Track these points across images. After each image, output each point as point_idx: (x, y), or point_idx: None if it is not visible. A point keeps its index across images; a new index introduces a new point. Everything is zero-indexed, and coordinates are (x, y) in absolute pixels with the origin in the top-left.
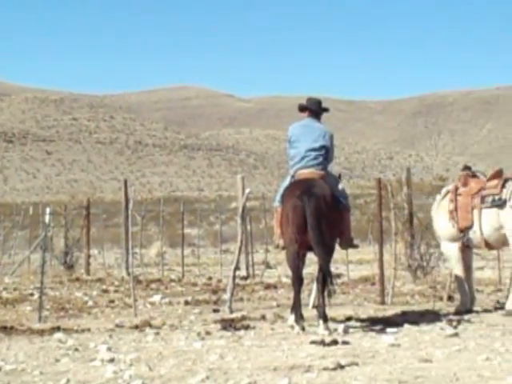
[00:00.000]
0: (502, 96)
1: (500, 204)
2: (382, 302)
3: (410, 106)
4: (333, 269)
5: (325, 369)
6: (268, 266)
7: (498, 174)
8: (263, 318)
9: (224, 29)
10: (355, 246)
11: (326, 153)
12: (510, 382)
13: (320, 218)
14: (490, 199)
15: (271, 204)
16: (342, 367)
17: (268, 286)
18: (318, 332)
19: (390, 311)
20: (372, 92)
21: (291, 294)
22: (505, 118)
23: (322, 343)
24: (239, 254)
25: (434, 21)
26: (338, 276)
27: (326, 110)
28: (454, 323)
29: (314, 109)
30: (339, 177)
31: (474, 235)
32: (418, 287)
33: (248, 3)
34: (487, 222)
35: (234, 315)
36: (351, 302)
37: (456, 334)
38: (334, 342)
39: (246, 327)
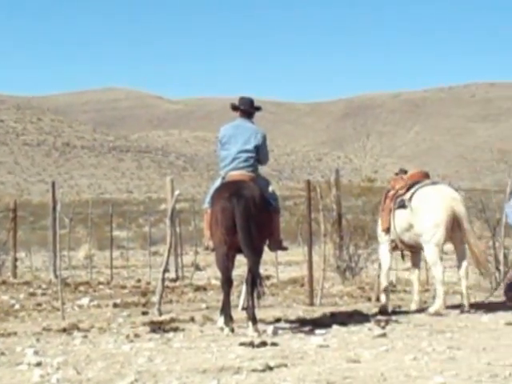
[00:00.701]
0: (430, 99)
1: (404, 206)
2: (311, 304)
3: (339, 108)
4: (262, 270)
5: (254, 370)
6: (197, 267)
7: (415, 176)
8: (192, 320)
9: (151, 31)
10: (284, 248)
11: (257, 154)
12: (437, 382)
13: (249, 219)
14: (398, 201)
15: (201, 206)
16: (270, 368)
17: (197, 288)
18: (247, 334)
19: (319, 312)
20: (301, 94)
21: (221, 296)
22: (432, 120)
23: (251, 345)
24: (168, 256)
25: (363, 23)
26: (267, 277)
27: (258, 108)
28: (382, 324)
29: (246, 108)
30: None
31: (394, 236)
32: (347, 288)
33: (175, 6)
34: (398, 223)
35: (163, 317)
36: (280, 303)
37: (384, 335)
38: (263, 344)
39: (175, 329)
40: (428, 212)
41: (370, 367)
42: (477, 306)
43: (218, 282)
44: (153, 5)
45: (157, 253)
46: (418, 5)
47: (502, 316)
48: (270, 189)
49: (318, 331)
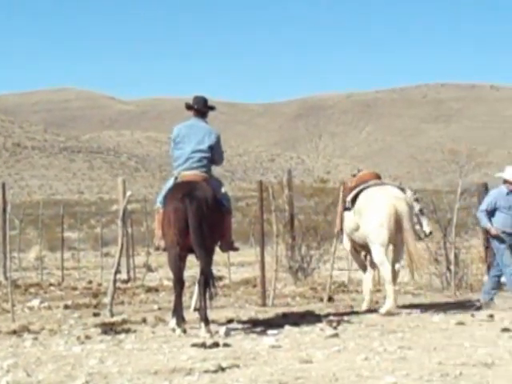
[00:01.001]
0: (382, 99)
1: (348, 207)
2: (263, 304)
3: (292, 109)
4: (214, 271)
5: (206, 371)
6: (149, 269)
7: (365, 177)
8: (144, 321)
9: (104, 31)
10: (235, 249)
11: (211, 154)
12: (388, 381)
13: (201, 220)
14: (346, 202)
15: (153, 207)
16: (223, 369)
17: (149, 289)
18: (199, 335)
19: (271, 313)
20: (254, 94)
21: (172, 297)
22: (384, 121)
23: (203, 346)
24: (120, 257)
25: (315, 23)
26: (220, 278)
27: (212, 108)
28: (334, 324)
29: (199, 107)
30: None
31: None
32: (299, 289)
33: (126, 5)
34: (347, 225)
35: (114, 319)
36: (232, 304)
37: (336, 335)
38: (216, 345)
39: (127, 331)
40: (372, 213)
41: (322, 367)
42: (428, 306)
43: (169, 283)
44: (104, 4)
45: (108, 254)
46: (368, 5)
47: (453, 316)
48: (223, 190)
49: (270, 332)
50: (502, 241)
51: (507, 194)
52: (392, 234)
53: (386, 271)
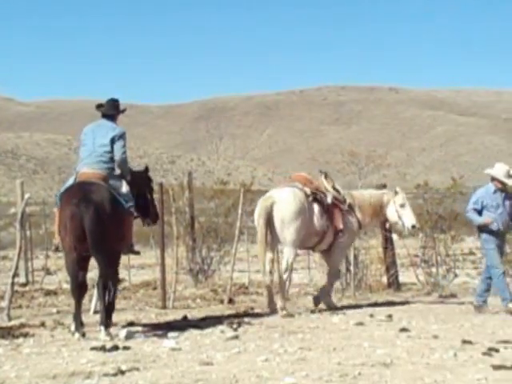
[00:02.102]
0: (282, 102)
1: None
2: (164, 307)
3: (192, 111)
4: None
5: (105, 374)
6: (48, 272)
7: (291, 179)
8: (43, 325)
9: (2, 29)
10: (136, 253)
11: (112, 152)
12: (287, 382)
13: (98, 225)
14: None
15: (52, 209)
16: (122, 372)
17: (48, 293)
18: (99, 338)
19: (172, 315)
20: (154, 96)
21: (72, 300)
22: (284, 123)
23: (103, 349)
24: (18, 261)
25: (214, 26)
26: (119, 281)
27: (122, 111)
28: (235, 326)
29: (107, 109)
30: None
31: None
32: (200, 291)
33: (21, 4)
34: None
35: (12, 323)
36: (133, 306)
37: (236, 337)
38: (115, 348)
39: (25, 335)
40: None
41: (223, 369)
42: (328, 307)
43: (69, 286)
44: (5, 2)
45: (6, 257)
46: (271, 7)
47: (352, 316)
48: (124, 189)
49: (170, 334)
50: (491, 241)
51: (494, 192)
52: (263, 233)
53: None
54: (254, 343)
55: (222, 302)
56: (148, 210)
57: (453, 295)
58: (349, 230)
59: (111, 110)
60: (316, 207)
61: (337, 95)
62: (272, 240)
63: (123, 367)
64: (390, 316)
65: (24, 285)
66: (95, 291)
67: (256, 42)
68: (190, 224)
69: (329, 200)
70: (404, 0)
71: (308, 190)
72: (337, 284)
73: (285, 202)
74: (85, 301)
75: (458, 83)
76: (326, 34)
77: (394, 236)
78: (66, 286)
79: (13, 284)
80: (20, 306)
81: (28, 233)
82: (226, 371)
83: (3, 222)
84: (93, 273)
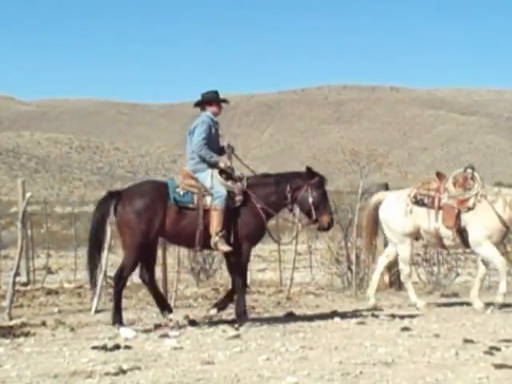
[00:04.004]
0: (284, 101)
1: None
2: None
3: (194, 110)
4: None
5: (107, 374)
6: (49, 271)
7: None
8: (44, 324)
9: (2, 28)
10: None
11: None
12: (289, 381)
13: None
14: None
15: (53, 208)
16: (124, 372)
17: (49, 292)
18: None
19: (173, 314)
20: (155, 95)
21: (73, 300)
22: (286, 122)
23: (104, 348)
24: (19, 260)
25: (215, 24)
26: None
27: (207, 101)
28: (236, 325)
29: (196, 103)
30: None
31: None
32: (201, 290)
33: (18, 7)
34: None
35: (13, 322)
36: (134, 306)
37: (238, 336)
38: (116, 347)
39: (26, 334)
40: None
41: (224, 368)
42: (329, 306)
43: (70, 286)
44: (6, 2)
45: (7, 256)
46: (269, 7)
47: (354, 315)
48: (208, 183)
49: (171, 333)
50: None
51: None
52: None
53: None
54: (255, 342)
55: None
56: (309, 212)
57: (454, 294)
58: (483, 229)
59: (200, 103)
60: (421, 209)
61: (338, 94)
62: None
63: (124, 366)
64: (391, 315)
65: (25, 284)
66: (96, 290)
67: (257, 41)
68: None
69: (444, 200)
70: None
71: (413, 193)
72: (338, 283)
73: (385, 203)
74: (86, 300)
75: (459, 82)
76: (327, 34)
77: None
78: (67, 286)
79: (14, 283)
80: (21, 306)
81: (29, 232)
82: (228, 370)
83: (4, 221)
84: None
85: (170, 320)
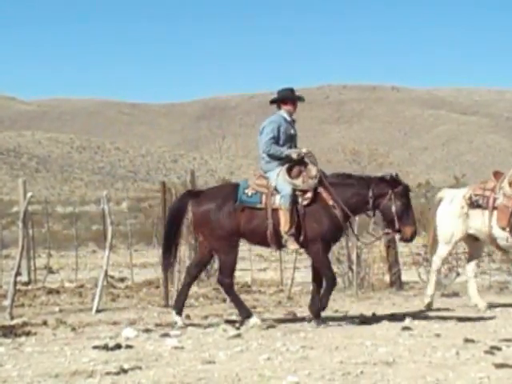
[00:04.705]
0: None
1: None
2: (166, 305)
3: (194, 110)
4: (116, 272)
5: (108, 373)
6: (50, 270)
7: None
8: (45, 323)
9: (2, 29)
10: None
11: None
12: (290, 381)
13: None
14: None
15: (54, 208)
16: (125, 371)
17: (50, 291)
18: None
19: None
20: (156, 95)
21: (74, 299)
22: None
23: (105, 348)
24: (20, 259)
25: (215, 25)
26: (122, 280)
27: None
28: (237, 324)
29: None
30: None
31: None
32: (202, 290)
33: (23, 5)
34: None
35: (14, 321)
36: (135, 305)
37: (239, 335)
38: (117, 346)
39: (27, 333)
40: None
41: (225, 368)
42: (330, 306)
43: (71, 285)
44: (6, 2)
45: (8, 256)
46: (270, 7)
47: (355, 315)
48: (273, 182)
49: (172, 333)
50: None
51: None
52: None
53: None
54: (256, 342)
55: (224, 300)
56: (392, 222)
57: (455, 294)
58: None
59: (274, 101)
60: (476, 211)
61: (338, 94)
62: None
63: (125, 366)
64: (392, 315)
65: (26, 283)
66: (97, 290)
67: (257, 41)
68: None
69: (499, 200)
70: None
71: (469, 194)
72: (339, 283)
73: (443, 202)
74: (87, 299)
75: (460, 82)
76: (327, 34)
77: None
78: (68, 285)
79: (15, 283)
80: (22, 305)
81: (30, 231)
82: (229, 370)
83: (5, 220)
84: (96, 272)
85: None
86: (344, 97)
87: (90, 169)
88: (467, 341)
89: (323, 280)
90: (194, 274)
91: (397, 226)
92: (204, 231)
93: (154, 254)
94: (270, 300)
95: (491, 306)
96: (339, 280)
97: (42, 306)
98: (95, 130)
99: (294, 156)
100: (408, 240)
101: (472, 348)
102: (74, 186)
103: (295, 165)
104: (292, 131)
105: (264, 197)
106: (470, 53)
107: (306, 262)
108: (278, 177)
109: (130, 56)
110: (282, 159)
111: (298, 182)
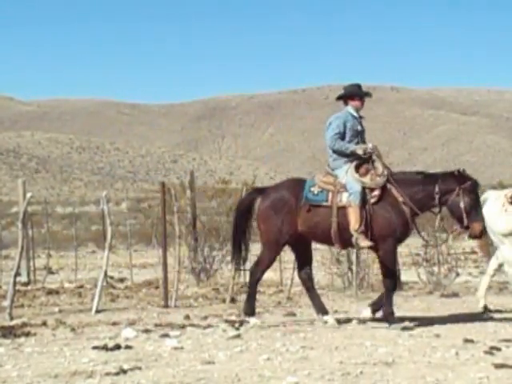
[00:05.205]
0: (284, 101)
1: None
2: (166, 306)
3: (194, 110)
4: (116, 273)
5: (107, 374)
6: (50, 271)
7: None
8: (45, 324)
9: (1, 29)
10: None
11: None
12: (290, 381)
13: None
14: None
15: (53, 208)
16: (124, 372)
17: (50, 292)
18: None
19: (174, 314)
20: (155, 95)
21: (73, 300)
22: (286, 122)
23: (105, 348)
24: (20, 260)
25: (215, 25)
26: (122, 280)
27: (348, 95)
28: (237, 325)
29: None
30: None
31: None
32: (202, 290)
33: (24, 5)
34: None
35: (14, 322)
36: (135, 305)
37: (238, 336)
38: (117, 347)
39: (27, 334)
40: None
41: (225, 368)
42: (330, 306)
43: (70, 286)
44: (7, 2)
45: (8, 256)
46: (270, 8)
47: (354, 315)
48: (343, 179)
49: (172, 333)
50: None
51: None
52: None
53: None
54: (255, 342)
55: (224, 301)
56: (460, 218)
57: (455, 294)
58: None
59: (342, 96)
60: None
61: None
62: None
63: (125, 366)
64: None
65: (26, 284)
66: (97, 290)
67: (257, 41)
68: (191, 223)
69: None
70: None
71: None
72: (338, 283)
73: (488, 201)
74: (87, 300)
75: (460, 82)
76: (327, 34)
77: None
78: (68, 286)
79: (14, 283)
80: (22, 306)
81: (30, 232)
82: (228, 370)
83: (5, 221)
84: (95, 272)
85: (326, 322)
86: None
87: (90, 169)
88: (467, 341)
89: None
90: (308, 275)
91: (465, 222)
92: (262, 226)
93: (154, 255)
94: (270, 300)
95: (490, 310)
96: (339, 280)
97: (42, 307)
98: (95, 131)
99: (360, 152)
100: (477, 237)
101: (472, 348)
102: (74, 187)
103: (363, 163)
104: (359, 127)
105: (330, 195)
106: (469, 53)
107: None
108: (347, 174)
109: (130, 56)
110: (348, 156)
111: (367, 179)
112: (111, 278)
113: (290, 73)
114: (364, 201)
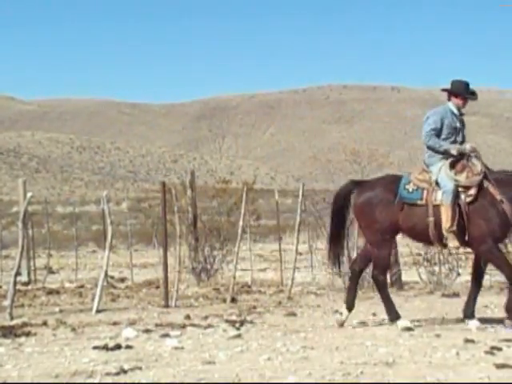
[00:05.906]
0: (285, 100)
1: None
2: (166, 305)
3: (195, 110)
4: (116, 273)
5: (108, 374)
6: (50, 270)
7: None
8: (45, 323)
9: (2, 29)
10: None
11: None
12: (290, 381)
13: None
14: None
15: (54, 208)
16: (125, 372)
17: (50, 292)
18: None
19: (174, 314)
20: (156, 95)
21: (74, 299)
22: (287, 122)
23: (105, 348)
24: (20, 260)
25: (216, 25)
26: (122, 280)
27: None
28: (237, 325)
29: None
30: None
31: None
32: (202, 290)
33: (24, 5)
34: None
35: (14, 322)
36: (135, 305)
37: (239, 336)
38: (118, 347)
39: (27, 334)
40: None
41: (225, 368)
42: (330, 306)
43: (71, 285)
44: (7, 2)
45: (8, 256)
46: (270, 8)
47: (355, 315)
48: (435, 176)
49: (172, 333)
50: None
51: None
52: None
53: None
54: (256, 342)
55: (224, 300)
56: None
57: (455, 294)
58: None
59: (446, 90)
60: None
61: (339, 94)
62: None
63: (125, 366)
64: None
65: (26, 284)
66: (97, 290)
67: (257, 41)
68: (192, 223)
69: None
70: (405, 0)
71: None
72: (339, 283)
73: None
74: (87, 299)
75: None
76: (328, 34)
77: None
78: (69, 285)
79: (15, 283)
80: (22, 305)
81: (30, 232)
82: (229, 370)
83: (5, 220)
84: (96, 272)
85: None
86: (344, 97)
87: (90, 169)
88: (467, 341)
89: (482, 281)
90: (361, 267)
91: None
92: (361, 223)
93: (154, 254)
94: (270, 300)
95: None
96: (339, 280)
97: (42, 307)
98: (95, 130)
99: (454, 152)
100: None
101: (472, 348)
102: (74, 186)
103: (459, 159)
104: (458, 124)
105: (425, 193)
106: (469, 53)
107: (305, 262)
108: (440, 171)
109: (130, 56)
110: (443, 153)
111: (461, 177)
112: (112, 277)
113: (291, 72)
114: (458, 199)
